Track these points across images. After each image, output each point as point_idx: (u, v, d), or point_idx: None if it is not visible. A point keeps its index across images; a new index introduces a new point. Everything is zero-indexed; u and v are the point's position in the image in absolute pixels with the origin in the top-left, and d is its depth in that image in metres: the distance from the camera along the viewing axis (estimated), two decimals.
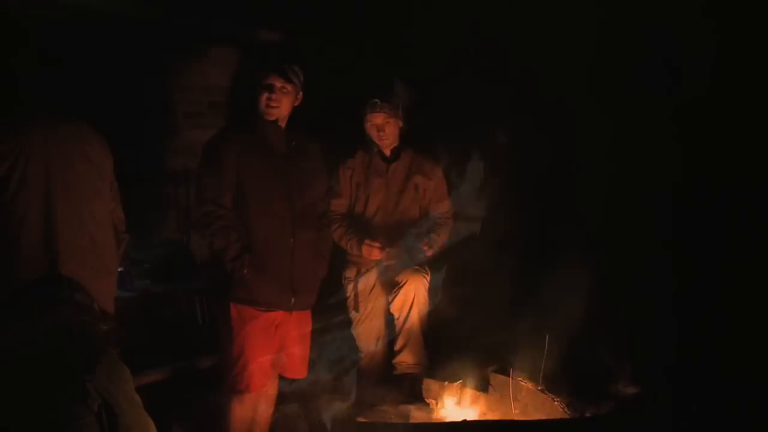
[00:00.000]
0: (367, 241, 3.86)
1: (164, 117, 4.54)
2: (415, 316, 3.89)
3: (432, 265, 3.97)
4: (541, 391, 3.38)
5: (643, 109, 3.87)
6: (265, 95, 3.23)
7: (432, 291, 3.93)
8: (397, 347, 3.97)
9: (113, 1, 3.84)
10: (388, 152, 3.99)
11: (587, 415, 3.21)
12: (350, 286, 4.00)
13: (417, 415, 3.54)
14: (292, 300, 3.27)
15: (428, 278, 3.91)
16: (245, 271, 3.15)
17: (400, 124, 3.95)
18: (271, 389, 3.39)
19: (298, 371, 3.41)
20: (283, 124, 3.30)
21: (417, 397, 3.71)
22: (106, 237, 2.70)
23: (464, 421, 3.34)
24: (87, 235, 2.61)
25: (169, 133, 4.55)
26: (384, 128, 3.91)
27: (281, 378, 3.42)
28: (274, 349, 3.30)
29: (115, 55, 4.04)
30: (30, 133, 2.52)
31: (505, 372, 3.53)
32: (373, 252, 3.87)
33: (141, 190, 4.08)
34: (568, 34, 4.00)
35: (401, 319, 3.92)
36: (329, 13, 4.65)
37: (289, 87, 3.25)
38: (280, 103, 3.24)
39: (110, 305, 2.67)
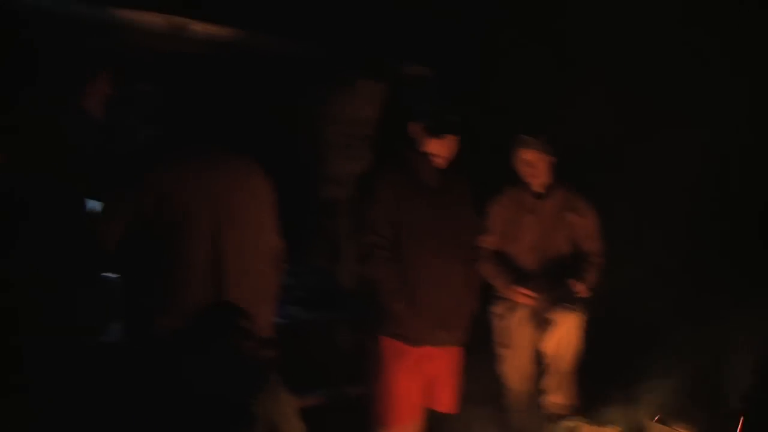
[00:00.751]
0: (515, 288, 3.80)
1: (315, 148, 4.67)
2: (567, 356, 3.76)
3: (584, 303, 3.84)
4: None
5: None
6: (439, 148, 3.26)
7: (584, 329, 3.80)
8: (546, 386, 3.85)
9: (264, 39, 4.00)
10: (539, 188, 3.92)
11: None
12: (499, 322, 3.93)
13: None
14: (443, 335, 3.25)
15: (581, 317, 3.78)
16: (399, 306, 3.15)
17: (552, 160, 3.88)
18: (419, 423, 3.36)
19: (449, 406, 3.36)
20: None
21: None
22: (268, 266, 2.80)
23: None
24: (251, 264, 2.71)
25: (319, 163, 4.68)
26: (535, 165, 3.84)
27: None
28: (424, 383, 3.28)
29: (268, 89, 4.21)
30: (201, 168, 2.66)
31: (664, 421, 3.33)
32: (521, 298, 3.80)
33: (292, 219, 4.21)
34: None
35: (553, 358, 3.80)
36: (472, 48, 4.65)
37: (458, 137, 3.30)
38: (453, 154, 3.30)
39: (270, 332, 2.76)
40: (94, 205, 2.64)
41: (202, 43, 3.70)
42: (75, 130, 2.45)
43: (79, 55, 2.49)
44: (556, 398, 3.83)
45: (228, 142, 2.82)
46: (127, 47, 3.56)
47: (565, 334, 3.74)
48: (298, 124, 4.52)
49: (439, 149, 3.27)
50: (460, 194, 3.40)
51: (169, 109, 2.89)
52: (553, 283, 3.80)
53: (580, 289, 3.75)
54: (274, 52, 4.02)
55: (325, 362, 3.93)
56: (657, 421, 3.35)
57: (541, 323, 3.82)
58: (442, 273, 3.22)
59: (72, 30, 3.20)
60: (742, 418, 3.16)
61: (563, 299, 3.76)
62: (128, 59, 3.49)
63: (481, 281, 3.55)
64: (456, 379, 3.39)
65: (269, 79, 4.14)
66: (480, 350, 3.83)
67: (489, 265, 3.83)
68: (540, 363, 3.87)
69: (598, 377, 3.84)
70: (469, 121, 3.33)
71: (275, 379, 2.29)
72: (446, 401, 3.35)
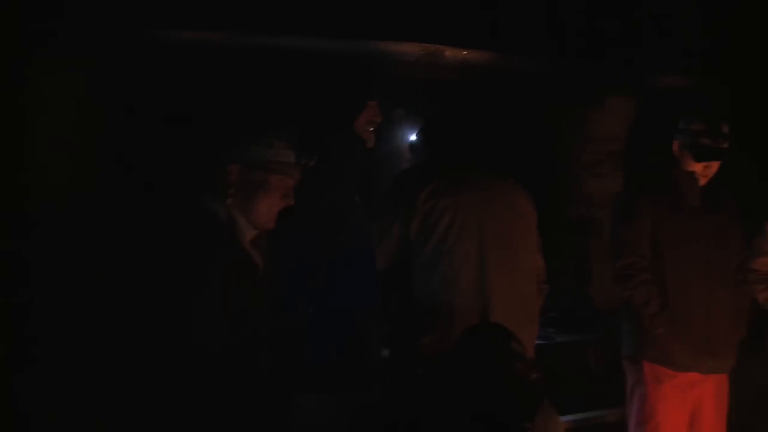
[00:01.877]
0: None
1: (563, 167, 4.62)
2: None
3: None
4: None
5: None
6: (703, 170, 3.12)
7: None
8: None
9: (517, 60, 4.01)
10: None
11: None
12: None
13: None
14: (709, 362, 3.07)
15: None
16: (662, 330, 3.02)
17: None
18: None
19: None
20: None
21: None
22: (531, 287, 2.81)
23: None
24: (514, 284, 2.74)
25: (568, 182, 4.62)
26: None
27: None
28: (687, 412, 3.12)
29: (520, 110, 4.23)
30: (465, 189, 2.73)
31: None
32: None
33: (543, 238, 4.19)
34: None
35: None
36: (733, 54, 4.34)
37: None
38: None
39: (533, 353, 2.76)
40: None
41: (456, 68, 3.81)
42: (355, 158, 2.62)
43: (352, 87, 2.67)
44: None
45: (489, 163, 2.88)
46: (387, 76, 3.75)
47: None
48: (549, 143, 4.49)
49: (704, 171, 3.12)
50: (726, 211, 3.20)
51: (430, 134, 2.99)
52: None
53: None
54: (526, 72, 4.04)
55: (579, 385, 3.86)
56: None
57: None
58: (707, 296, 3.06)
59: (340, 64, 3.44)
60: None
61: None
62: (388, 87, 3.69)
63: (749, 304, 3.28)
64: (723, 409, 3.18)
65: (522, 100, 4.16)
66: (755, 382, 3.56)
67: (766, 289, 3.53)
68: None
69: None
70: (736, 137, 3.13)
71: (546, 402, 2.27)
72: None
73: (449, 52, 3.72)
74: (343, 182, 2.58)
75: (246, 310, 1.98)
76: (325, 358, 2.43)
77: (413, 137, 3.05)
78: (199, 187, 2.03)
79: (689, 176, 3.12)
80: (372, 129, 2.68)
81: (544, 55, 3.99)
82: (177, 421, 1.85)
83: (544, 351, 3.71)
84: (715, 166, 3.13)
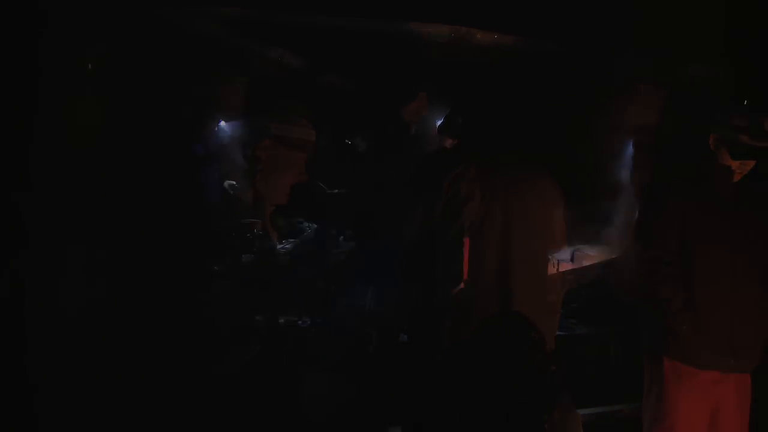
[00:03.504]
0: None
1: (591, 156, 4.56)
2: None
3: None
4: None
5: None
6: (738, 166, 3.04)
7: None
8: None
9: (547, 45, 3.96)
10: None
11: None
12: None
13: None
14: (731, 361, 3.01)
15: None
16: (685, 327, 2.97)
17: None
18: None
19: None
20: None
21: None
22: (554, 276, 2.78)
23: None
24: (537, 273, 2.71)
25: (595, 172, 4.55)
26: None
27: None
28: (707, 411, 3.07)
29: (550, 95, 4.17)
30: (493, 175, 2.70)
31: None
32: None
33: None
34: None
35: None
36: None
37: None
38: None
39: (553, 344, 2.74)
40: None
41: (486, 51, 3.77)
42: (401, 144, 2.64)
43: (407, 75, 2.67)
44: None
45: (516, 148, 2.85)
46: (416, 59, 3.70)
47: None
48: (577, 132, 4.43)
49: (740, 167, 3.04)
50: (760, 208, 3.12)
51: (458, 118, 2.97)
52: None
53: None
54: (555, 57, 3.99)
55: (598, 378, 3.83)
56: None
57: None
58: (733, 293, 3.00)
59: (370, 44, 3.41)
60: None
61: None
62: (418, 69, 3.65)
63: None
64: (745, 408, 3.12)
65: (550, 86, 4.11)
66: None
67: None
68: None
69: None
70: None
71: (565, 395, 2.25)
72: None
73: (480, 35, 3.68)
74: (384, 166, 2.59)
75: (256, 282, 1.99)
76: (341, 335, 2.43)
77: (441, 120, 3.01)
78: (217, 165, 2.05)
79: (724, 170, 3.04)
80: (417, 119, 2.69)
81: (573, 41, 3.94)
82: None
83: (564, 342, 3.70)
84: (751, 163, 3.05)
